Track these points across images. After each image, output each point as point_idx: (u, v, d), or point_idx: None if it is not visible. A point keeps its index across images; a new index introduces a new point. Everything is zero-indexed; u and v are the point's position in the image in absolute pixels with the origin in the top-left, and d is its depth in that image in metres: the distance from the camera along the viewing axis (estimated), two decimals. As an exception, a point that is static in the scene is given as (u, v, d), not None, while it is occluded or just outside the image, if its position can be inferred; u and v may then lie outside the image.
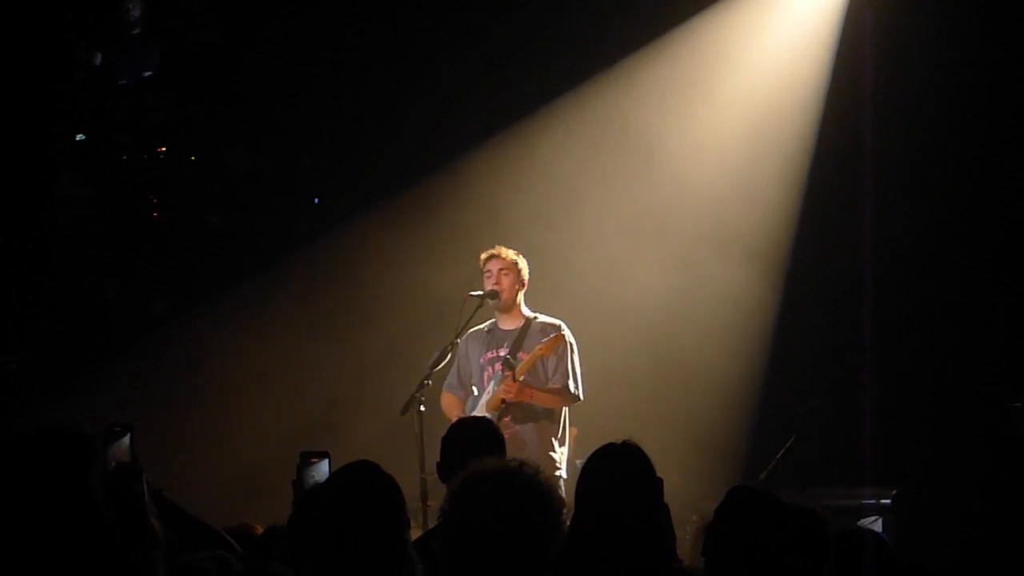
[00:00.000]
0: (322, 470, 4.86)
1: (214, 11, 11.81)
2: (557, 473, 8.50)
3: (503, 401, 8.60)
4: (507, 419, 8.62)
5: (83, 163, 11.66)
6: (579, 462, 8.63)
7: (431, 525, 6.97)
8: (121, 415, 6.21)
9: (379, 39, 11.54)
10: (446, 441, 5.90)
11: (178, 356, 11.29)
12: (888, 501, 9.92)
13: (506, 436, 8.44)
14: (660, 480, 4.98)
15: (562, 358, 8.73)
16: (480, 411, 8.58)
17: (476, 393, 8.89)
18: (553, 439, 8.71)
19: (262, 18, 11.66)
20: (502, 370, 8.70)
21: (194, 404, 11.19)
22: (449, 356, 8.86)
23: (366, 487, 4.22)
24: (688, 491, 8.72)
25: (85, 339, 11.27)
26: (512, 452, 8.12)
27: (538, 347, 8.65)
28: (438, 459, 5.90)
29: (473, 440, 5.85)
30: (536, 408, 8.70)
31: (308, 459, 4.90)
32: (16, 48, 11.00)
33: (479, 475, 3.42)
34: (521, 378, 8.59)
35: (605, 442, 5.05)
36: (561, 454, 8.69)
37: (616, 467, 4.88)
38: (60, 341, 11.25)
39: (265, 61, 11.72)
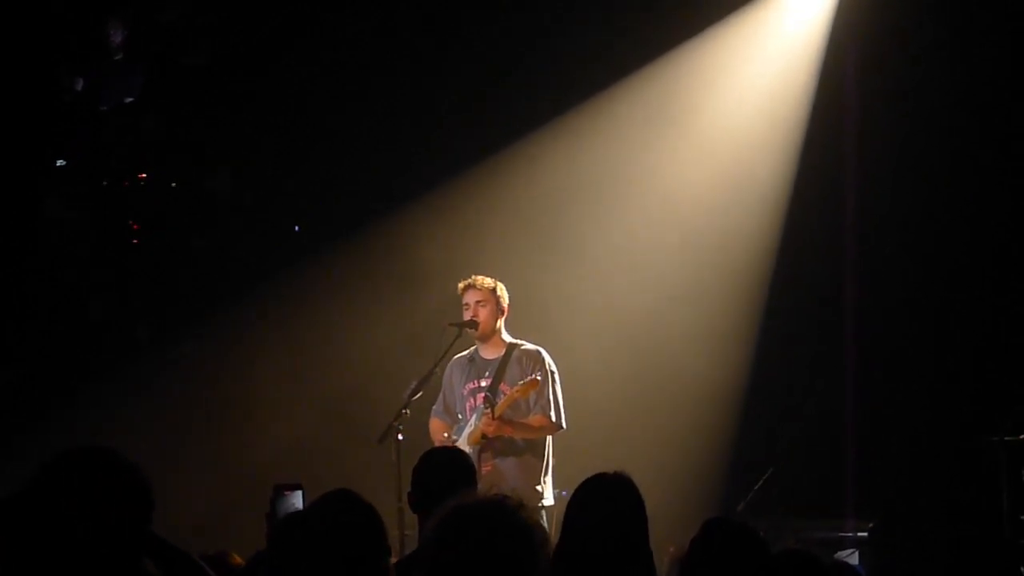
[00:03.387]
0: (295, 502, 4.86)
1: (197, 37, 11.82)
2: (542, 504, 8.49)
3: (484, 436, 8.61)
4: (488, 453, 8.63)
5: (67, 187, 11.65)
6: (558, 492, 8.66)
7: (407, 553, 6.96)
8: (102, 440, 6.19)
9: (360, 69, 11.57)
10: (417, 471, 5.91)
11: (158, 382, 11.26)
12: (865, 534, 9.92)
13: (486, 470, 8.51)
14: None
15: (543, 388, 8.72)
16: (463, 443, 8.57)
17: (461, 421, 8.89)
18: (537, 470, 8.70)
19: (244, 44, 11.67)
20: (484, 404, 8.70)
21: (173, 430, 11.17)
22: (424, 387, 8.84)
23: (346, 516, 4.22)
24: (666, 520, 8.70)
25: (67, 363, 11.24)
26: (492, 485, 8.15)
27: (514, 390, 8.63)
28: (408, 489, 5.91)
29: (444, 470, 5.85)
30: (518, 441, 8.70)
31: (281, 491, 4.91)
32: (-1, 73, 11.02)
33: (462, 509, 3.41)
34: (500, 415, 8.59)
35: (583, 471, 5.07)
36: (546, 485, 8.68)
37: (608, 497, 4.89)
38: (42, 365, 11.22)
39: (247, 86, 11.74)
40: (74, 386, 11.01)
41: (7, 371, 11.17)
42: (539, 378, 8.63)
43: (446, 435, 8.84)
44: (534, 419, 8.71)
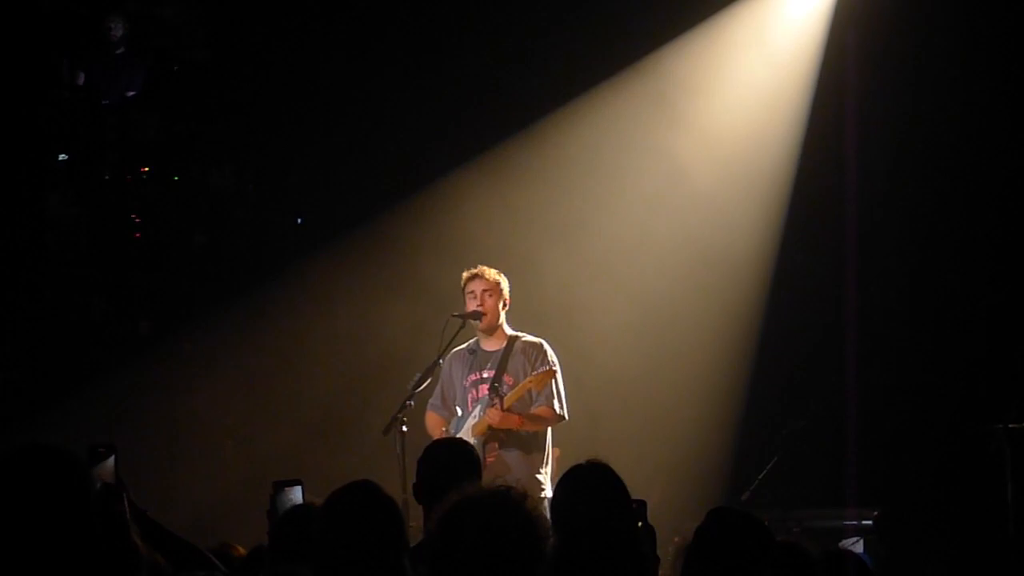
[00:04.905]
0: (295, 497, 4.87)
1: (199, 30, 11.83)
2: (543, 494, 8.50)
3: (489, 427, 8.62)
4: (493, 444, 8.64)
5: (69, 182, 11.66)
6: (558, 483, 8.68)
7: (412, 545, 6.98)
8: (106, 435, 6.21)
9: (363, 63, 11.57)
10: (422, 463, 5.91)
11: (163, 376, 11.27)
12: (870, 522, 9.94)
13: (490, 460, 8.52)
14: (643, 502, 4.99)
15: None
16: (466, 435, 8.56)
17: (460, 414, 8.89)
18: (539, 461, 8.72)
19: (246, 39, 11.68)
20: (488, 395, 8.69)
21: (178, 424, 11.18)
22: (429, 379, 8.85)
23: (369, 506, 4.24)
24: (671, 511, 8.73)
25: (70, 358, 11.25)
26: (496, 476, 8.19)
27: (528, 380, 8.61)
28: (414, 480, 5.91)
29: (449, 462, 5.85)
30: (522, 432, 8.70)
31: (281, 487, 4.92)
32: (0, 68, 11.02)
33: (467, 501, 3.42)
34: (509, 406, 8.60)
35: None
36: (546, 475, 8.69)
37: (585, 487, 4.90)
38: (45, 360, 11.23)
39: (248, 80, 11.75)
40: (75, 381, 11.01)
41: (8, 366, 11.18)
42: (556, 368, 8.64)
43: (444, 429, 8.83)
44: (539, 410, 8.71)
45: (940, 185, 10.83)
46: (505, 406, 8.56)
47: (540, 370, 8.64)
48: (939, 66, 10.68)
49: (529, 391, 8.67)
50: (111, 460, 4.67)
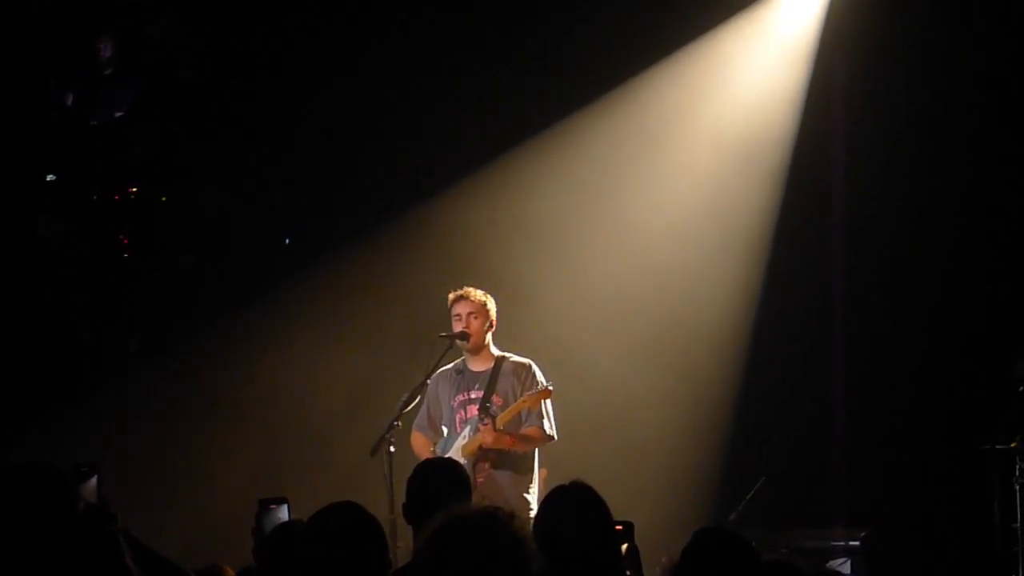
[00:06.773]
0: (281, 516, 4.87)
1: (189, 48, 11.83)
2: (531, 514, 8.49)
3: (480, 447, 8.61)
4: (485, 464, 8.63)
5: (57, 202, 11.64)
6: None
7: (400, 565, 6.97)
8: (91, 454, 6.19)
9: (350, 81, 11.58)
10: (412, 482, 5.90)
11: (149, 396, 11.26)
12: (857, 543, 9.93)
13: (482, 480, 8.52)
14: (630, 524, 5.00)
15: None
16: (455, 455, 8.54)
17: (446, 434, 8.88)
18: (528, 481, 8.73)
19: (237, 56, 11.69)
20: (479, 416, 8.68)
21: (164, 444, 11.16)
22: (416, 399, 8.85)
23: (351, 527, 4.24)
24: (658, 530, 8.70)
25: (58, 377, 11.22)
26: (489, 496, 8.19)
27: (523, 399, 8.63)
28: (403, 500, 5.91)
29: (439, 482, 5.85)
30: (511, 452, 8.70)
31: (267, 506, 4.92)
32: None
33: (455, 520, 3.43)
34: (501, 426, 8.60)
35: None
36: (534, 494, 8.70)
37: (567, 507, 4.91)
38: (33, 379, 11.20)
39: (236, 99, 11.74)
40: (62, 400, 10.98)
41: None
42: (552, 388, 8.64)
43: (432, 450, 8.82)
44: (529, 430, 8.72)
45: (929, 207, 10.84)
46: (498, 426, 8.56)
47: (535, 390, 8.65)
48: (929, 68, 10.71)
49: (519, 411, 8.68)
50: (93, 480, 4.66)
